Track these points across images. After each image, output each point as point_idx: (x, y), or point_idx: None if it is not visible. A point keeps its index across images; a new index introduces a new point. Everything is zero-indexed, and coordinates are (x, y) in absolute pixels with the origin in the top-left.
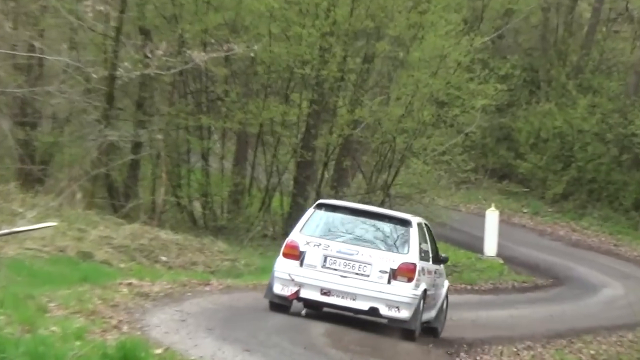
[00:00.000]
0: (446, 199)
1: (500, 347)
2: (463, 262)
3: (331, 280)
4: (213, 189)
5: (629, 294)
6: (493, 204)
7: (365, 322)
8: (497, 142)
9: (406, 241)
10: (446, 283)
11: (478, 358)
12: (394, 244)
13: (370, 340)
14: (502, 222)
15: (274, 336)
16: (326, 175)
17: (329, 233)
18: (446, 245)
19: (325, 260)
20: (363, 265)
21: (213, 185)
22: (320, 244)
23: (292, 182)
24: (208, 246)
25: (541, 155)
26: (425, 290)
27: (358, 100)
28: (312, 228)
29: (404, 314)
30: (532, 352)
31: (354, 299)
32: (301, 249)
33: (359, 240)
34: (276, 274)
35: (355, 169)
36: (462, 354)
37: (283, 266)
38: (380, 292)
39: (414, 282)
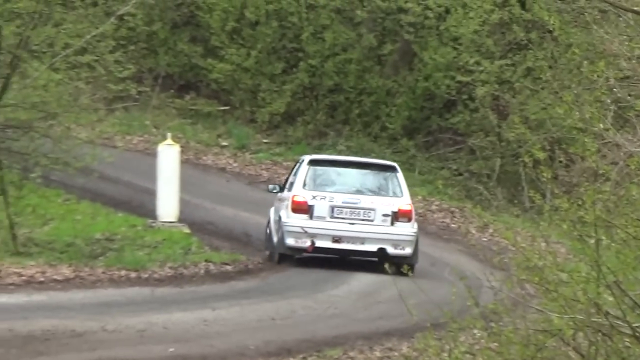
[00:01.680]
0: (91, 128)
1: None
2: (123, 233)
3: (341, 228)
4: None
5: (400, 279)
6: (169, 135)
7: None
8: (174, 29)
9: (398, 185)
10: None
11: None
12: (389, 189)
13: None
14: (187, 163)
15: None
16: None
17: (329, 186)
18: (94, 205)
19: (332, 211)
20: (367, 211)
21: None
22: (325, 197)
23: None
24: None
25: (248, 50)
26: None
27: None
28: (312, 183)
29: (408, 251)
30: None
31: (363, 243)
32: (309, 203)
33: (358, 189)
34: (288, 228)
35: None
36: None
37: (294, 220)
38: (386, 233)
39: (412, 221)
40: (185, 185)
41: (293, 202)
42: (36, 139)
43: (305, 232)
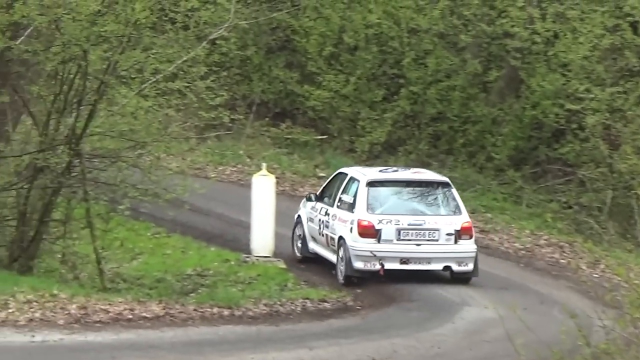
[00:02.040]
0: (182, 158)
1: None
2: (215, 268)
3: (408, 250)
4: None
5: (508, 317)
6: (264, 165)
7: None
8: (269, 54)
9: (455, 202)
10: None
11: None
12: (448, 207)
13: None
14: (283, 195)
15: None
16: None
17: (391, 207)
18: (185, 239)
19: (399, 234)
20: (432, 231)
21: None
22: (391, 220)
23: None
24: None
25: (347, 76)
26: None
27: None
28: (374, 205)
29: (470, 266)
30: None
31: (429, 263)
32: (377, 227)
33: (420, 209)
34: (356, 252)
35: (18, 110)
36: None
37: (363, 245)
38: (451, 252)
39: (473, 238)
40: (281, 218)
41: (360, 226)
42: (124, 169)
43: (375, 256)
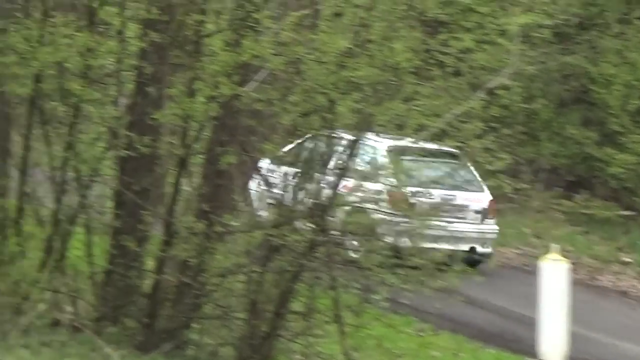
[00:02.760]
0: None
1: None
2: None
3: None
4: None
5: None
6: (555, 247)
7: None
8: (561, 108)
9: (475, 177)
10: None
11: None
12: (470, 182)
13: None
14: (579, 285)
15: None
16: (186, 189)
17: (418, 179)
18: (456, 338)
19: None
20: (461, 208)
21: None
22: (423, 194)
23: (110, 205)
24: None
25: None
26: None
27: (247, 19)
28: (402, 176)
29: (490, 248)
30: None
31: (457, 243)
32: (410, 201)
33: (447, 183)
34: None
35: (248, 174)
36: None
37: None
38: (477, 231)
39: (495, 217)
40: (575, 313)
41: (393, 199)
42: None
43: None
